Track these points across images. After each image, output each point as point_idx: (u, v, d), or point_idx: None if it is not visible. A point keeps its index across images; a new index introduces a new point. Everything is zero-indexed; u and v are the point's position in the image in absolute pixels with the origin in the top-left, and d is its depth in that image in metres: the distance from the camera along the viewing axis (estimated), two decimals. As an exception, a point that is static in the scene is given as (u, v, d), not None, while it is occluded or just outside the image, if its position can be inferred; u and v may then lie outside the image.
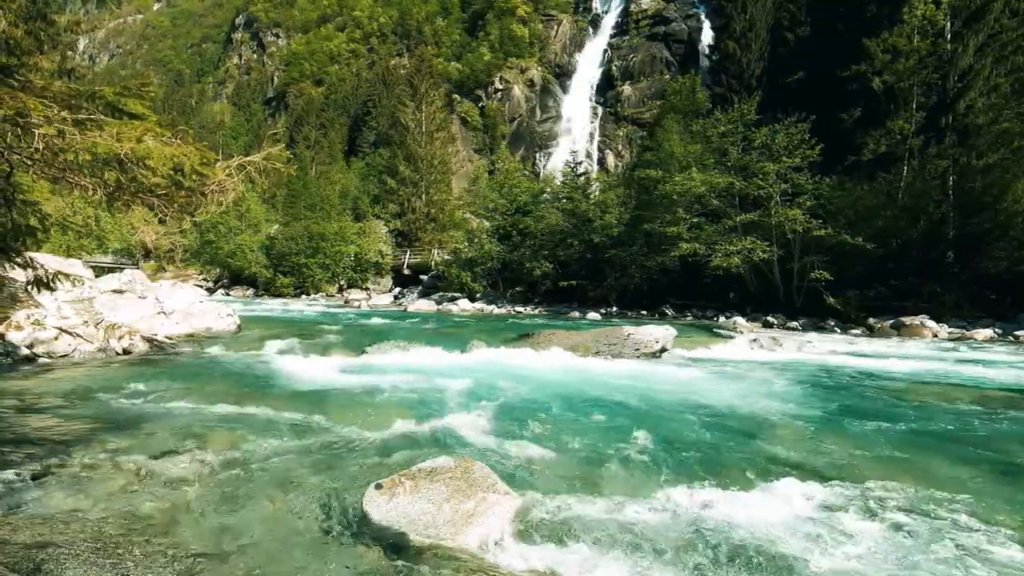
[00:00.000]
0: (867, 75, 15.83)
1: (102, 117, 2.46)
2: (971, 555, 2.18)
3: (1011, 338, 10.76)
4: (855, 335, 11.81)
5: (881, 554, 2.18)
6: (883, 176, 15.51)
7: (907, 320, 11.81)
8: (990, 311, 12.90)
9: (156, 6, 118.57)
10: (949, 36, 15.28)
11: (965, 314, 12.85)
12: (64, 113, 2.34)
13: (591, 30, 63.49)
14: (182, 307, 9.47)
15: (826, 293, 13.78)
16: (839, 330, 12.66)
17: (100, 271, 13.42)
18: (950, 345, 9.91)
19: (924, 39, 15.22)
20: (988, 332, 11.16)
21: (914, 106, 15.35)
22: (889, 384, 6.01)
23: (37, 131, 2.26)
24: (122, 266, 28.21)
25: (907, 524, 2.43)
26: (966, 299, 13.35)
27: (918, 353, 8.59)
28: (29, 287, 3.27)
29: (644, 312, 17.38)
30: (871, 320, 12.86)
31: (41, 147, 2.28)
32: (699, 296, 17.05)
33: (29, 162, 2.45)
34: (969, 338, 10.86)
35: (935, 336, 11.15)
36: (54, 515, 2.36)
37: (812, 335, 11.43)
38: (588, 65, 59.82)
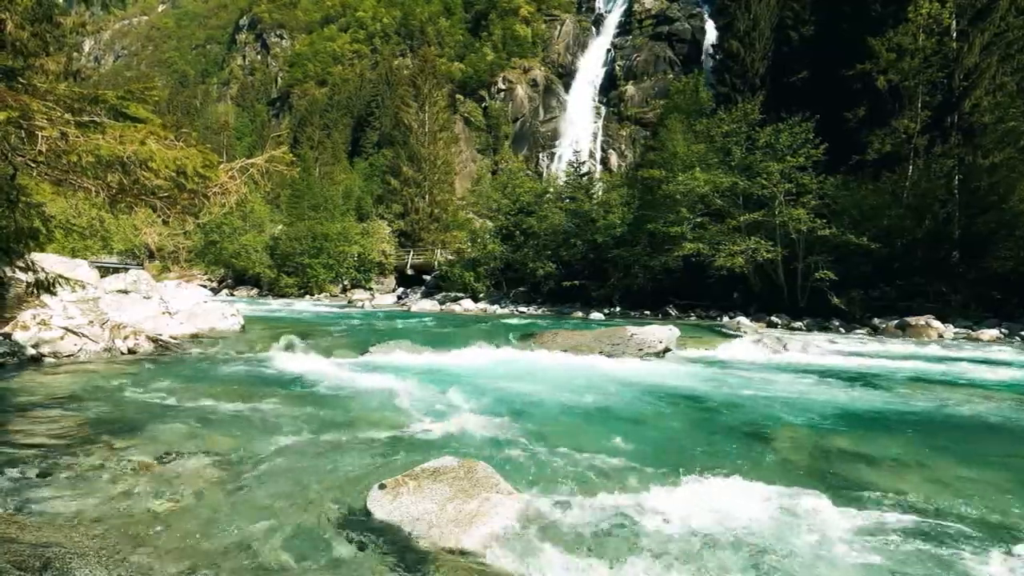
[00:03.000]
0: (872, 74, 15.73)
1: (105, 120, 2.47)
2: (975, 557, 2.16)
3: (1018, 338, 10.68)
4: (860, 335, 11.76)
5: (883, 555, 2.17)
6: (888, 175, 15.42)
7: (912, 320, 11.74)
8: (996, 311, 12.82)
9: (161, 8, 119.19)
10: (955, 35, 15.19)
11: (971, 314, 12.77)
12: (67, 116, 2.36)
13: (594, 30, 63.40)
14: (187, 307, 9.50)
15: (831, 293, 13.71)
16: (844, 330, 12.60)
17: (105, 272, 13.51)
18: (956, 345, 9.85)
19: (929, 38, 15.12)
20: (994, 332, 11.09)
21: (919, 105, 15.26)
22: (894, 385, 5.97)
23: (40, 133, 2.27)
24: (127, 267, 28.35)
25: (910, 525, 2.42)
26: (972, 299, 13.26)
27: (923, 354, 8.54)
28: (31, 290, 3.29)
29: (647, 312, 17.34)
30: (876, 320, 12.79)
31: (44, 149, 2.29)
32: (703, 296, 17.00)
33: (32, 164, 2.47)
34: (975, 338, 10.79)
35: (941, 336, 11.09)
36: (60, 514, 2.37)
37: (817, 335, 11.37)
38: (591, 65, 59.73)
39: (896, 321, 12.14)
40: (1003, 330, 11.28)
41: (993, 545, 2.25)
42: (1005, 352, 8.82)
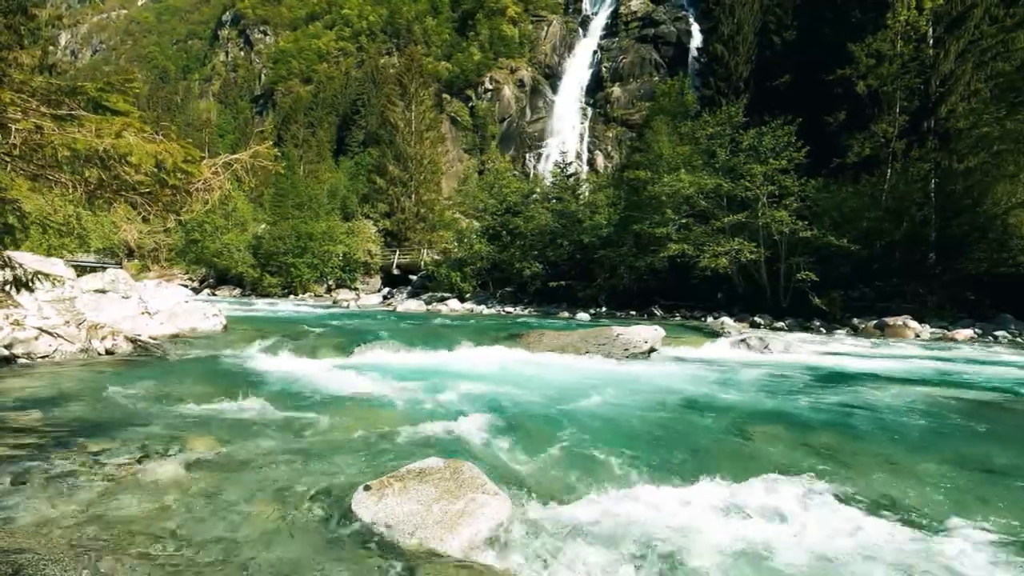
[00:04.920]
0: (852, 79, 16.06)
1: (82, 113, 2.40)
2: (948, 554, 2.21)
3: (990, 338, 10.98)
4: (840, 335, 11.97)
5: (860, 552, 2.21)
6: (867, 178, 15.74)
7: (890, 320, 12.00)
8: (971, 312, 13.15)
9: (141, 2, 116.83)
10: (931, 42, 15.57)
11: (946, 315, 13.08)
12: (43, 108, 2.29)
13: (581, 31, 63.73)
14: (167, 307, 9.32)
15: (812, 294, 13.95)
16: (824, 330, 12.82)
17: (82, 270, 13.21)
18: (932, 345, 10.09)
19: (907, 44, 15.48)
20: (968, 332, 11.38)
21: (897, 110, 15.60)
22: (872, 384, 6.09)
23: (13, 127, 2.20)
24: (105, 265, 27.73)
25: (885, 522, 2.47)
26: (947, 300, 13.60)
27: (901, 353, 8.73)
28: (7, 287, 3.19)
29: (633, 312, 17.47)
30: (855, 320, 13.05)
31: (18, 143, 2.22)
32: (687, 297, 17.17)
33: (6, 159, 2.39)
34: (950, 338, 11.06)
35: (917, 336, 11.34)
36: (34, 519, 2.31)
37: (798, 335, 11.56)
38: (578, 66, 60.03)
39: (875, 321, 12.39)
40: (977, 330, 11.57)
41: (966, 539, 2.31)
42: (978, 352, 9.06)
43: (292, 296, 28.74)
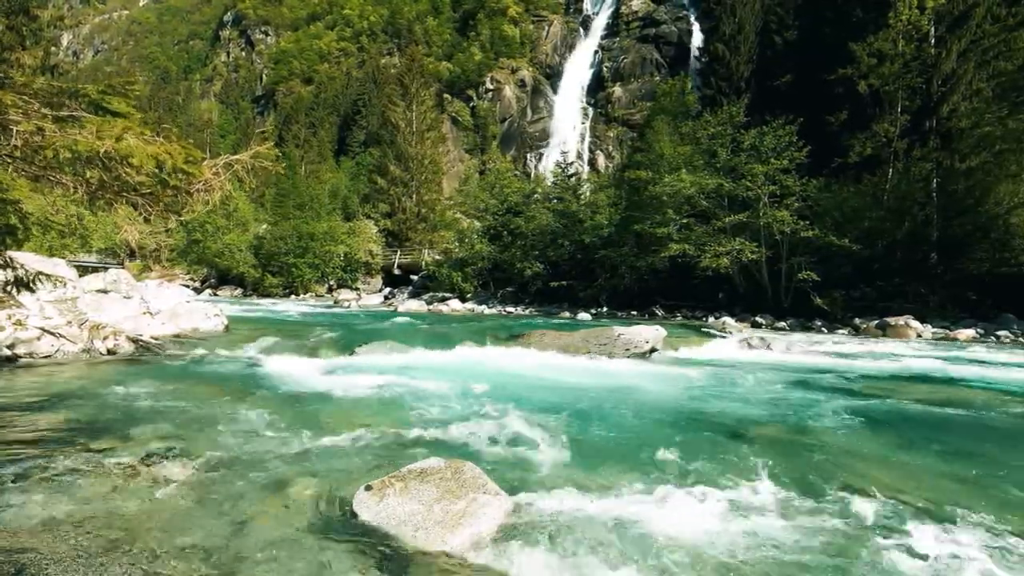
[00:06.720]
0: (853, 78, 16.05)
1: (83, 114, 2.40)
2: (952, 556, 2.21)
3: (992, 338, 10.96)
4: (841, 335, 11.96)
5: (861, 555, 2.21)
6: (869, 178, 15.72)
7: (892, 320, 11.98)
8: (972, 311, 13.14)
9: (143, 2, 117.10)
10: (933, 41, 15.55)
11: (948, 314, 13.07)
12: (44, 110, 2.29)
13: (582, 31, 63.72)
14: (168, 307, 9.34)
15: (813, 294, 13.93)
16: (826, 330, 12.81)
17: (84, 270, 13.24)
18: (934, 345, 10.07)
19: (909, 43, 15.47)
20: (970, 332, 11.36)
21: (899, 109, 15.59)
22: (874, 384, 6.09)
23: (15, 128, 2.20)
24: (107, 265, 27.79)
25: (886, 524, 2.46)
26: (949, 300, 13.58)
27: (902, 353, 8.71)
28: (8, 288, 3.20)
29: (634, 312, 17.46)
30: (857, 320, 13.03)
31: (19, 144, 2.23)
32: (688, 297, 17.16)
33: (8, 160, 2.40)
34: (952, 338, 11.04)
35: (919, 336, 11.33)
36: (36, 520, 2.31)
37: (800, 335, 11.55)
38: (579, 66, 60.02)
39: (876, 321, 12.38)
40: (979, 330, 11.56)
41: (967, 538, 2.30)
42: (980, 352, 9.04)
43: (293, 296, 28.78)
